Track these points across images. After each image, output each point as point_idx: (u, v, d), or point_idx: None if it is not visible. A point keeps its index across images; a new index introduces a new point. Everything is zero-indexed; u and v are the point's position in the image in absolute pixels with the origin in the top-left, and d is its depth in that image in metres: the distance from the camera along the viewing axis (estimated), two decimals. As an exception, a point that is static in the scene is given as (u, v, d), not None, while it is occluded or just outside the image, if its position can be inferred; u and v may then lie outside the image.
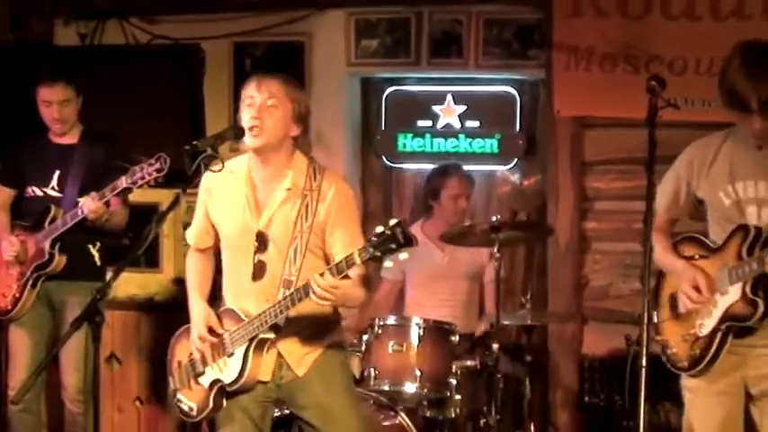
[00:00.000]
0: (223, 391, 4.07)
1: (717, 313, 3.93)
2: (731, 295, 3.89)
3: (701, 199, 4.06)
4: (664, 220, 4.16)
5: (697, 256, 4.04)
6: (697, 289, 3.94)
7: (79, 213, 5.18)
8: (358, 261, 3.65)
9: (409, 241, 3.56)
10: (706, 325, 3.95)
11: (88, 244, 5.41)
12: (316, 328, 4.07)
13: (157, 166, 4.97)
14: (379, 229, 3.58)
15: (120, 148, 5.47)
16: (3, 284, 5.40)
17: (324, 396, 4.08)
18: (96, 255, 5.45)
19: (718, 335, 3.91)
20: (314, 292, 3.76)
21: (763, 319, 3.83)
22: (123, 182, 5.05)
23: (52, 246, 5.29)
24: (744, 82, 3.74)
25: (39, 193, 5.44)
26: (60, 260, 5.32)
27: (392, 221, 3.58)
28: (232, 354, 4.03)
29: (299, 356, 4.06)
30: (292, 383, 4.08)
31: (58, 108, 5.37)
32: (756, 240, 3.86)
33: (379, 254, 3.58)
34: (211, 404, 4.11)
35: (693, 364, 3.98)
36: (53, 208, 5.32)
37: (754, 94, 3.72)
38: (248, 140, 3.99)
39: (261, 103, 3.98)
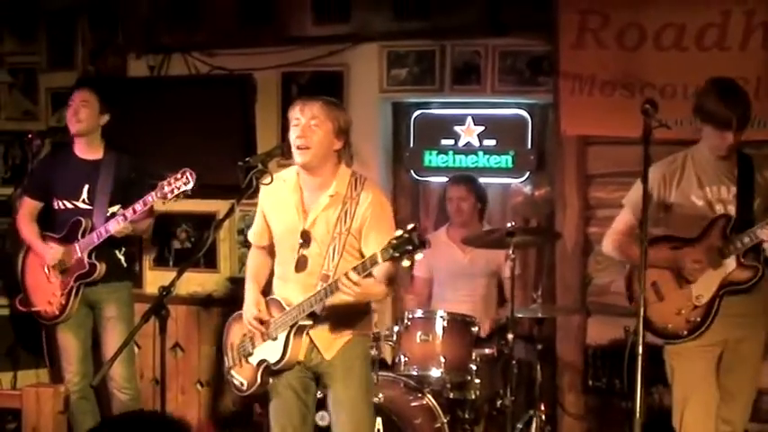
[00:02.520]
0: (269, 370, 4.10)
1: (714, 283, 4.29)
2: (726, 267, 4.28)
3: (669, 204, 4.39)
4: (629, 225, 4.54)
5: (679, 246, 4.37)
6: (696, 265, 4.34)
7: (109, 229, 5.13)
8: (380, 261, 3.66)
9: (422, 244, 3.56)
10: (704, 296, 4.28)
11: (115, 249, 5.35)
12: (346, 318, 4.08)
13: (183, 179, 4.93)
14: (398, 232, 3.59)
15: (143, 163, 5.44)
16: (47, 292, 5.34)
17: (342, 380, 4.11)
18: (122, 258, 5.41)
19: (717, 300, 4.28)
20: (341, 288, 3.79)
21: (757, 283, 4.25)
22: (153, 197, 5.01)
23: (89, 256, 5.23)
24: (723, 109, 4.17)
25: (69, 205, 5.33)
26: (102, 269, 5.26)
27: (408, 226, 3.58)
28: (276, 338, 4.06)
29: (329, 342, 4.09)
30: (320, 365, 4.12)
31: (75, 107, 5.30)
32: (734, 224, 4.28)
33: (397, 254, 3.59)
34: (258, 380, 4.14)
35: (693, 330, 4.29)
36: (83, 221, 5.24)
37: (733, 115, 4.15)
38: (296, 158, 4.02)
39: (305, 123, 4.00)
